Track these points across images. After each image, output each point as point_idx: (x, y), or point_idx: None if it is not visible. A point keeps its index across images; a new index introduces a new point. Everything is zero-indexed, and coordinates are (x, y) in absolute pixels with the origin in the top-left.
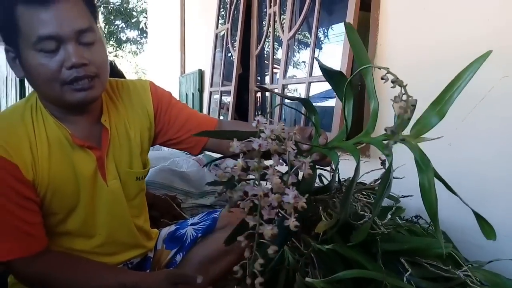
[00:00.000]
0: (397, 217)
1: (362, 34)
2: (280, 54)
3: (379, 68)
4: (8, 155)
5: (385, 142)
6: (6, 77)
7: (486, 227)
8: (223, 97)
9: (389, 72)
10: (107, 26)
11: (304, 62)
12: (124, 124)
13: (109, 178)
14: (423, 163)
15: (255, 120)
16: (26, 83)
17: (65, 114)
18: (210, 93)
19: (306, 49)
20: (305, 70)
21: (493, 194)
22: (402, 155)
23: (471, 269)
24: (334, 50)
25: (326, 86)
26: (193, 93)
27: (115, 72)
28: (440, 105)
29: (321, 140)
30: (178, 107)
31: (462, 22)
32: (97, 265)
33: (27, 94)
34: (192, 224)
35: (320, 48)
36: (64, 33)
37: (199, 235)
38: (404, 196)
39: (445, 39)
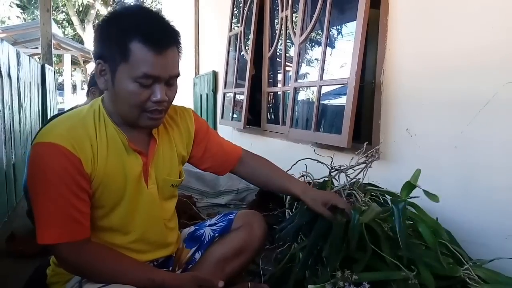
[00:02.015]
0: None
1: (374, 31)
2: (292, 51)
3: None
4: (74, 150)
5: None
6: (30, 82)
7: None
8: (236, 96)
9: None
10: None
11: (316, 59)
12: (169, 138)
13: (150, 182)
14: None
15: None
16: (47, 88)
17: (125, 124)
18: (224, 94)
19: (318, 46)
20: (317, 68)
21: (498, 195)
22: (411, 159)
23: (472, 267)
24: (345, 48)
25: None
26: (207, 94)
27: None
28: None
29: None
30: (213, 136)
31: (467, 31)
32: (131, 260)
33: (48, 98)
34: (210, 225)
35: (333, 47)
36: (162, 76)
37: (216, 235)
38: (412, 197)
39: (451, 47)
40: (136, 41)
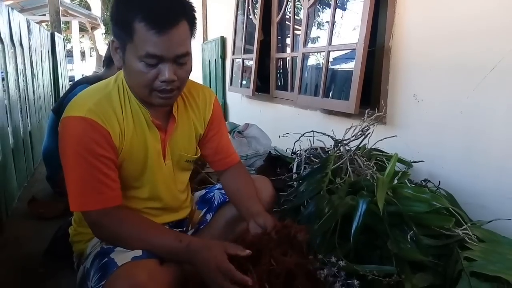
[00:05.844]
0: (406, 180)
1: None
2: (301, 15)
3: None
4: (103, 123)
5: None
6: (41, 51)
7: None
8: (245, 61)
9: None
10: None
11: (327, 22)
12: (188, 116)
13: (167, 158)
14: None
15: None
16: (57, 56)
17: (146, 101)
18: (232, 60)
19: (328, 9)
20: (326, 32)
21: (500, 159)
22: (418, 124)
23: (471, 227)
24: (356, 11)
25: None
26: (215, 60)
27: None
28: None
29: None
30: (224, 129)
31: None
32: (159, 225)
33: (58, 66)
34: (219, 189)
35: (343, 9)
36: (166, 56)
37: (227, 199)
38: (416, 162)
39: (458, 12)
40: (138, 20)
